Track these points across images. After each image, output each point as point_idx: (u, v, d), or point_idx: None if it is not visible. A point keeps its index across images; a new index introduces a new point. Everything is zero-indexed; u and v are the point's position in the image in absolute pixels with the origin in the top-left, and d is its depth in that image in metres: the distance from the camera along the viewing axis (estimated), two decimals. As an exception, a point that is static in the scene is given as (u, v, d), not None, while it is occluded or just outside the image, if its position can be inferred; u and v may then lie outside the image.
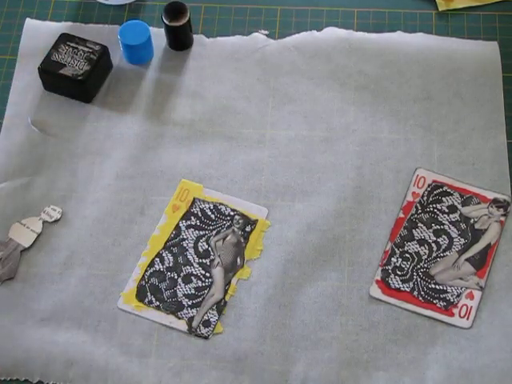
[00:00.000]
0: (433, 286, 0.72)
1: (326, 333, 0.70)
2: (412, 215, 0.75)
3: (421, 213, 0.75)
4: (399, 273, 0.72)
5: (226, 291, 0.72)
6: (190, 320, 0.71)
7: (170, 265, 0.74)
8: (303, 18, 0.88)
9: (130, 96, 0.83)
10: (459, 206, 0.75)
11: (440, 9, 0.88)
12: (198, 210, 0.76)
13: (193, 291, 0.72)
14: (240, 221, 0.75)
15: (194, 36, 0.86)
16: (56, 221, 0.76)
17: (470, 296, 0.71)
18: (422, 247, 0.74)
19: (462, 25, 0.87)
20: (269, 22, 0.88)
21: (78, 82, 0.80)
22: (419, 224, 0.75)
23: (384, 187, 0.77)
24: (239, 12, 0.89)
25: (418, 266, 0.73)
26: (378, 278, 0.72)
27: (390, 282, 0.72)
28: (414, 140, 0.79)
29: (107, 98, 0.83)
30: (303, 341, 0.70)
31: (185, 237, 0.75)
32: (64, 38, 0.83)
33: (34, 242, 0.75)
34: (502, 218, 0.75)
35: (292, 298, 0.72)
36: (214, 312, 0.71)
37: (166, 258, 0.74)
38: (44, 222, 0.76)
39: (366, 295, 0.72)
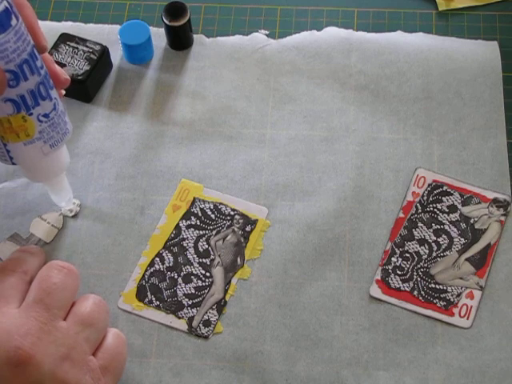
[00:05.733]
0: (433, 285, 0.72)
1: (326, 332, 0.70)
2: (412, 215, 0.75)
3: (421, 212, 0.75)
4: (399, 272, 0.72)
5: (226, 291, 0.72)
6: (190, 320, 0.71)
7: (170, 264, 0.74)
8: (303, 18, 0.88)
9: (130, 96, 0.83)
10: (459, 206, 0.75)
11: (440, 9, 0.88)
12: (198, 209, 0.76)
13: (193, 291, 0.72)
14: (240, 220, 0.75)
15: (194, 36, 0.86)
16: (76, 214, 0.76)
17: (470, 296, 0.71)
18: (422, 247, 0.74)
19: (462, 25, 0.87)
20: (269, 21, 0.88)
21: (78, 81, 0.80)
22: (419, 224, 0.75)
23: (384, 187, 0.77)
24: (239, 12, 0.89)
25: (418, 266, 0.73)
26: (378, 277, 0.72)
27: (390, 281, 0.72)
28: (413, 140, 0.79)
29: (107, 98, 0.83)
30: (303, 340, 0.70)
31: (185, 236, 0.75)
32: (64, 38, 0.83)
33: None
34: (502, 218, 0.75)
35: (292, 298, 0.72)
36: (214, 312, 0.71)
37: (166, 257, 0.74)
38: (65, 217, 0.76)
39: (366, 295, 0.72)
